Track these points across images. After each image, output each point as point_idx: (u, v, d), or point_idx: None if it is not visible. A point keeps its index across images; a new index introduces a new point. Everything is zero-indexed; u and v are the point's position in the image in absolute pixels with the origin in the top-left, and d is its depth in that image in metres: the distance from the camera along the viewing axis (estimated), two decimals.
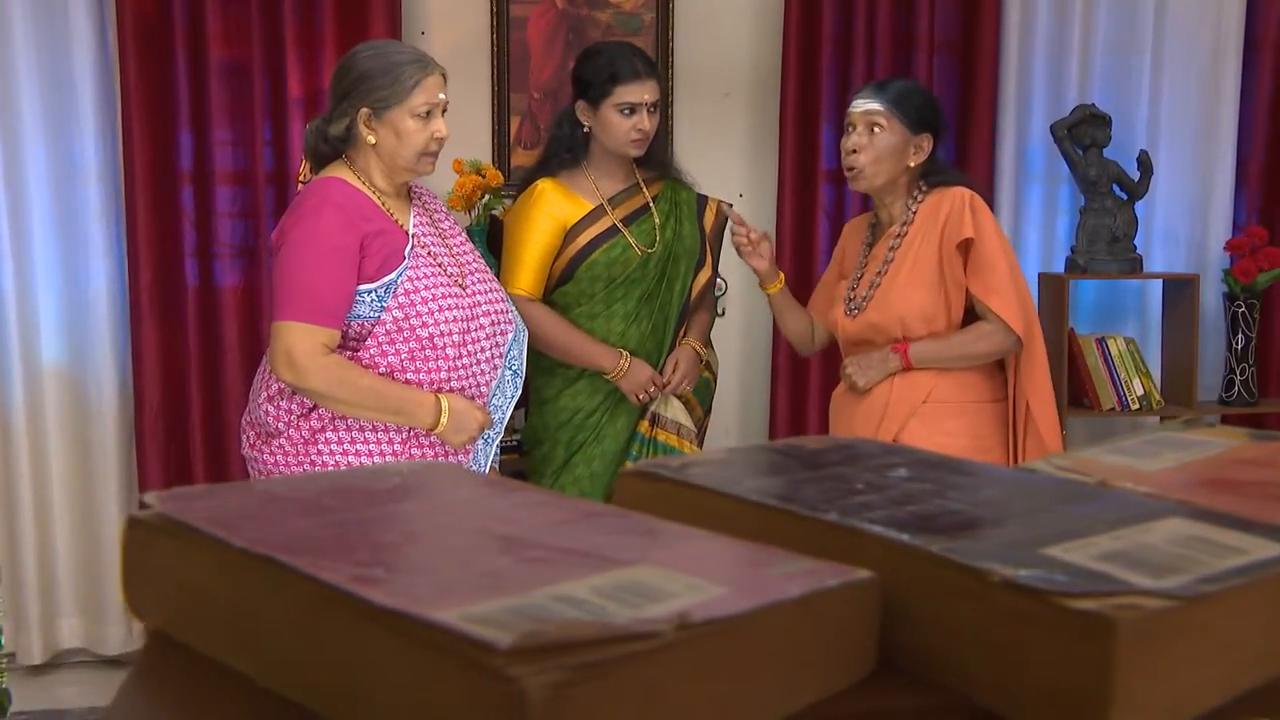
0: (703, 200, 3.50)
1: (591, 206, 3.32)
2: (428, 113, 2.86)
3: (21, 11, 4.13)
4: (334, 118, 2.92)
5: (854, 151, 3.06)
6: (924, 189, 3.10)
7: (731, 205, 3.60)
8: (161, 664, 0.61)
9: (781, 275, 3.34)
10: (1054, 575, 0.57)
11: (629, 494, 0.75)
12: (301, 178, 3.99)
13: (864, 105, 3.07)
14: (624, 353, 3.28)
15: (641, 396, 3.29)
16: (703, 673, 0.52)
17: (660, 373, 3.32)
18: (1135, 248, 4.38)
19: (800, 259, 4.43)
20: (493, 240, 3.84)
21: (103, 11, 4.17)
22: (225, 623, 0.59)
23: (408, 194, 3.01)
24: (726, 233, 3.59)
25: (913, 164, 3.08)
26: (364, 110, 2.85)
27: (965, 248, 2.99)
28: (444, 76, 2.92)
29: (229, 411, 4.29)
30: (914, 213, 3.08)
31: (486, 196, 4.09)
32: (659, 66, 4.06)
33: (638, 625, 0.50)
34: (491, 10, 4.38)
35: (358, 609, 0.52)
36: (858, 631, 0.59)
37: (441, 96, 2.89)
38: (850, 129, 3.09)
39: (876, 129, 3.04)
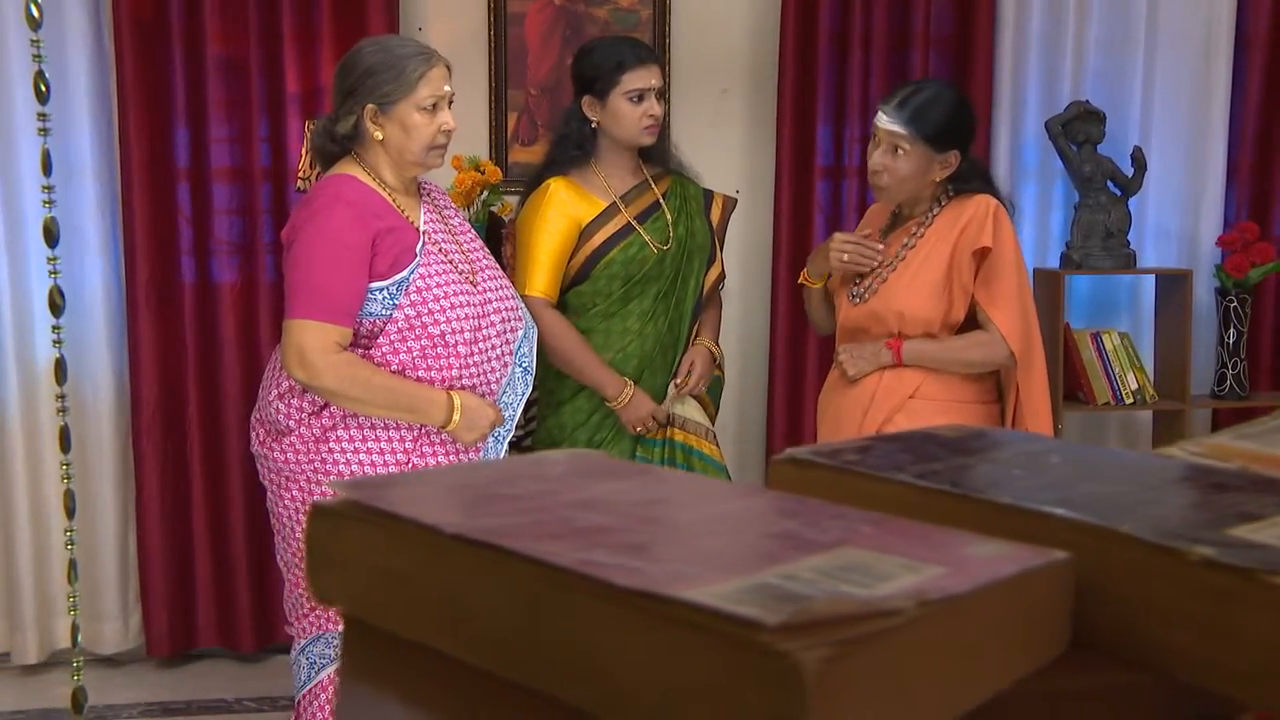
0: (709, 195, 3.50)
1: (605, 204, 3.31)
2: (434, 105, 2.86)
3: (16, 6, 4.10)
4: (340, 115, 2.90)
5: (876, 171, 3.04)
6: (949, 195, 3.09)
7: (736, 201, 3.62)
8: (367, 651, 0.62)
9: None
10: (1254, 554, 0.58)
11: (783, 481, 0.76)
12: (301, 174, 3.98)
13: (886, 124, 3.01)
14: (629, 382, 3.26)
15: (639, 429, 3.27)
16: (934, 649, 0.54)
17: (675, 373, 3.33)
18: (1129, 243, 4.43)
19: (797, 255, 4.45)
20: (491, 237, 3.84)
21: (99, 7, 4.14)
22: (434, 608, 0.60)
23: (417, 190, 3.01)
24: (731, 227, 3.62)
25: (939, 179, 3.06)
26: (370, 106, 2.84)
27: (980, 256, 2.99)
28: (448, 68, 2.92)
29: (226, 409, 4.28)
30: (934, 216, 3.08)
31: (485, 193, 4.09)
32: None
33: (884, 603, 0.51)
34: (489, 6, 4.38)
35: (596, 591, 0.53)
36: (1056, 610, 0.61)
37: (447, 89, 2.89)
38: (874, 141, 3.06)
39: (900, 150, 3.00)
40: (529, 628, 0.56)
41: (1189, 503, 0.68)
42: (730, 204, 3.56)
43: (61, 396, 2.69)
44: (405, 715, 0.56)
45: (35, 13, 2.54)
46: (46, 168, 2.65)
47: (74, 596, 2.82)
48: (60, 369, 2.69)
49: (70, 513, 2.75)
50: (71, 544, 2.74)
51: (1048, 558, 0.60)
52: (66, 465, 2.78)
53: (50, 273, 2.70)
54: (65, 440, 2.72)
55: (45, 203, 2.71)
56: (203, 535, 4.32)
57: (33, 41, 2.58)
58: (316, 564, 0.67)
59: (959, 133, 3.05)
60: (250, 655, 4.44)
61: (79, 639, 2.83)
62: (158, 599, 4.32)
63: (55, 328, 2.71)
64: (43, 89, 2.58)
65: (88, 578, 4.35)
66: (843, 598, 0.51)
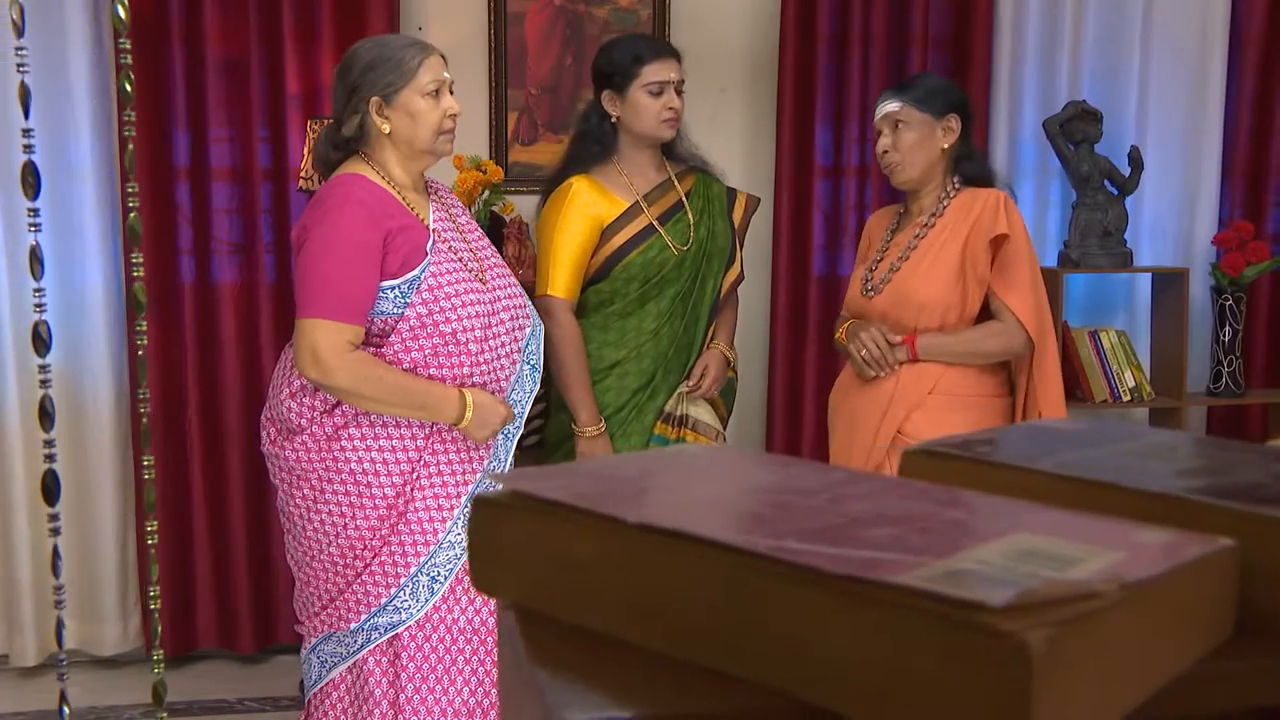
0: (732, 194, 3.48)
1: (627, 204, 3.29)
2: (436, 91, 2.87)
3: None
4: (345, 117, 2.90)
5: (885, 152, 3.13)
6: (957, 185, 3.15)
7: (759, 200, 3.59)
8: (545, 640, 0.63)
9: None
10: None
11: (916, 472, 0.77)
12: (304, 174, 3.98)
13: (884, 108, 3.15)
14: (603, 422, 3.26)
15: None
16: (1130, 631, 0.55)
17: (689, 376, 3.34)
18: (1126, 242, 4.46)
19: (796, 255, 4.47)
20: (493, 236, 3.84)
21: (99, 7, 4.13)
22: (617, 597, 0.61)
23: (425, 188, 3.01)
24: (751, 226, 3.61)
25: (946, 146, 3.14)
26: (375, 100, 2.84)
27: (997, 244, 3.03)
28: (443, 58, 2.93)
29: (226, 409, 4.27)
30: (944, 206, 3.13)
31: (487, 193, 4.10)
32: None
33: (1088, 585, 0.52)
34: (489, 6, 4.39)
35: (801, 578, 0.54)
36: (1225, 595, 0.62)
37: (446, 75, 2.90)
38: (878, 134, 3.16)
39: (900, 124, 3.11)
40: (727, 615, 0.57)
41: None
42: (753, 203, 3.52)
43: (143, 395, 2.72)
44: (598, 700, 0.57)
45: (122, 14, 2.54)
46: (129, 171, 2.69)
47: (154, 588, 2.88)
48: (143, 368, 2.73)
49: (151, 508, 2.77)
50: (153, 541, 2.76)
51: (1218, 544, 0.61)
52: (149, 463, 2.82)
53: (136, 274, 2.73)
54: (146, 438, 2.75)
55: (133, 206, 2.74)
56: (203, 536, 4.31)
57: (122, 50, 2.59)
58: (479, 557, 0.67)
59: (952, 97, 3.17)
60: (251, 656, 4.43)
61: (158, 629, 2.88)
62: (158, 600, 4.30)
63: (138, 327, 2.75)
64: (129, 88, 2.58)
65: (88, 578, 4.34)
66: (1055, 581, 0.52)
